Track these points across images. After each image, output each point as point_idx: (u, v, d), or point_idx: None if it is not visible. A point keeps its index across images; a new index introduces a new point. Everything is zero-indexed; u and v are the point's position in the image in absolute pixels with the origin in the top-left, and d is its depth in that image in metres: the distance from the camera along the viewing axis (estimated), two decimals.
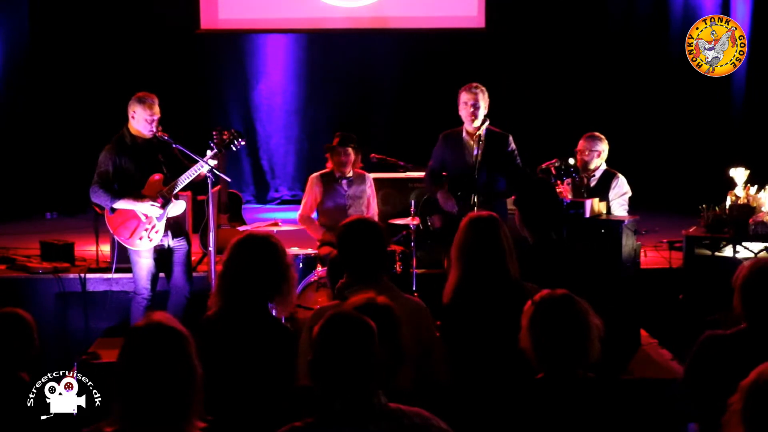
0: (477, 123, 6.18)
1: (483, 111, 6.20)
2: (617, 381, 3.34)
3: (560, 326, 2.97)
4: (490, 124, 6.22)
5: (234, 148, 6.29)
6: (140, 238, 5.95)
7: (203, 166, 5.88)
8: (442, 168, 6.38)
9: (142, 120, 5.89)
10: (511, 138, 6.29)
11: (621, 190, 6.62)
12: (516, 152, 6.28)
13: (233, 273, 3.47)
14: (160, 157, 6.01)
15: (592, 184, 6.59)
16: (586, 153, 6.57)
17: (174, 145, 5.93)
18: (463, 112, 6.21)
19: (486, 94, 6.24)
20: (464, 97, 6.22)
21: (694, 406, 3.47)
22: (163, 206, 5.92)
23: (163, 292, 6.13)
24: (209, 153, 6.03)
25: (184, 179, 5.95)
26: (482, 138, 6.15)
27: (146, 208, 5.91)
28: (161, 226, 5.95)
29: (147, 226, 5.94)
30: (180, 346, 2.52)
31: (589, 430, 2.94)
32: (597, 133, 6.66)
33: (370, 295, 3.06)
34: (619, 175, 6.66)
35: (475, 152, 6.12)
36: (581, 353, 2.98)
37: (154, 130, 5.91)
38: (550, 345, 2.98)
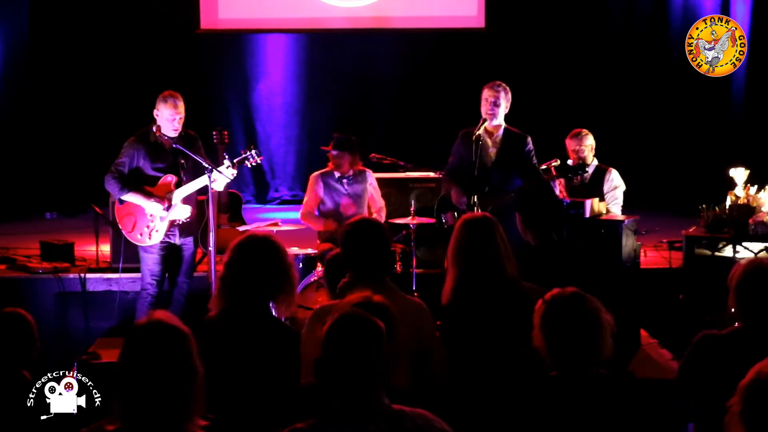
0: (496, 122, 6.13)
1: (503, 110, 6.14)
2: (630, 378, 3.33)
3: (572, 324, 2.98)
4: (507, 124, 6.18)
5: (249, 165, 6.19)
6: (140, 234, 6.00)
7: (211, 175, 5.79)
8: (460, 165, 6.27)
9: (164, 119, 5.90)
10: (529, 139, 6.20)
11: (614, 184, 6.64)
12: (533, 153, 6.19)
13: (235, 274, 3.47)
14: (180, 159, 6.01)
15: (586, 179, 6.61)
16: (581, 150, 6.60)
17: (174, 146, 5.93)
18: (483, 108, 6.13)
19: (509, 94, 6.17)
20: (485, 94, 6.13)
21: (693, 406, 3.47)
22: (168, 208, 5.93)
23: (167, 291, 6.17)
24: (225, 163, 6.00)
25: (192, 186, 5.95)
26: (500, 138, 6.12)
27: (151, 206, 5.93)
28: (162, 227, 5.97)
29: (149, 224, 5.98)
30: (181, 345, 2.52)
31: (604, 427, 2.94)
32: (582, 129, 6.68)
33: (366, 293, 3.06)
34: (612, 169, 6.69)
35: (489, 151, 6.10)
36: (594, 350, 2.98)
37: (178, 129, 5.93)
38: (563, 343, 2.98)
